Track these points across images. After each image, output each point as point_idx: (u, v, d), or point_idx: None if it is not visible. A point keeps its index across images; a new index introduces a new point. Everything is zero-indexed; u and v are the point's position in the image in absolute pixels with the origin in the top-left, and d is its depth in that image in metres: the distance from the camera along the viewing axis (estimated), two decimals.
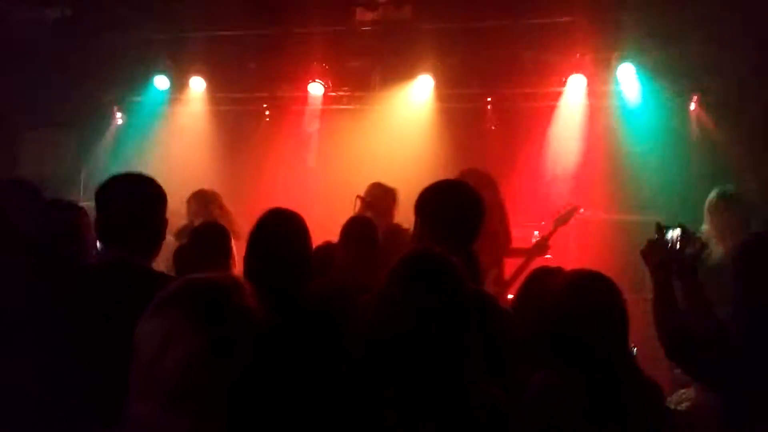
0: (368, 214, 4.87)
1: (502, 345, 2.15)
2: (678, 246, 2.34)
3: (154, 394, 1.33)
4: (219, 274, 1.49)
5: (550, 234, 4.58)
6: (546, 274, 2.56)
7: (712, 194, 4.25)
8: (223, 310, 1.38)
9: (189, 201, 4.91)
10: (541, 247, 4.49)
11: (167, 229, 2.38)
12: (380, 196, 4.96)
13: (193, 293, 1.40)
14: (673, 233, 2.37)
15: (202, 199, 4.85)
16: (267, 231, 2.48)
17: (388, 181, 6.11)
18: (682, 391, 2.94)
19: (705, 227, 4.16)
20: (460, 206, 2.36)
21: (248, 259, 2.47)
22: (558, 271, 2.53)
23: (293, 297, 2.41)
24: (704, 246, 2.36)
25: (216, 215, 4.64)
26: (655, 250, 2.37)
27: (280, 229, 2.48)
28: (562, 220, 4.63)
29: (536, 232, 4.78)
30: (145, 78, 6.88)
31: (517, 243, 4.75)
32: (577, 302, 2.11)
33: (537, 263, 4.24)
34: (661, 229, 2.41)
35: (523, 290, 2.70)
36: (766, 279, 1.97)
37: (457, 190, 2.46)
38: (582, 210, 4.68)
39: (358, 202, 4.62)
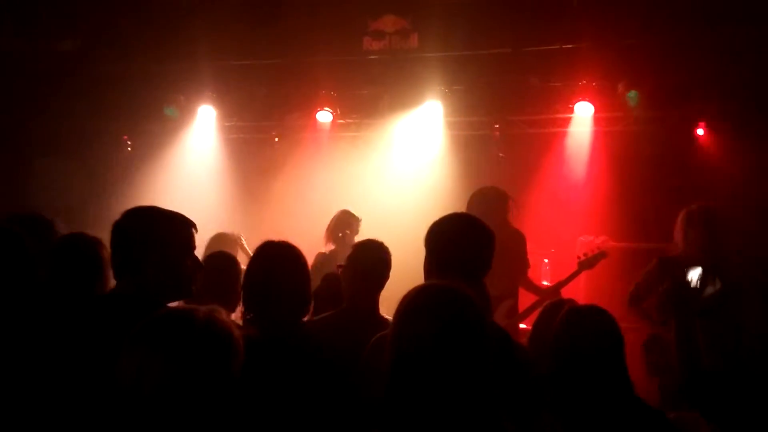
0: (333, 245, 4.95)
1: (519, 381, 2.14)
2: (699, 286, 2.33)
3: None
4: (193, 306, 1.58)
5: (574, 275, 4.48)
6: (556, 307, 2.55)
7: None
8: (187, 343, 1.47)
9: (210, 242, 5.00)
10: (554, 293, 4.39)
11: None
12: (347, 221, 5.01)
13: (158, 328, 1.51)
14: (695, 273, 2.36)
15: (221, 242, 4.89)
16: (261, 263, 2.53)
17: (397, 209, 6.13)
18: None
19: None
20: (468, 241, 2.36)
21: (245, 290, 2.53)
22: (567, 304, 2.52)
23: (287, 326, 2.43)
24: (724, 287, 2.33)
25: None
26: (678, 289, 2.34)
27: (274, 261, 2.51)
28: (588, 264, 4.50)
29: (546, 260, 4.74)
30: (155, 107, 6.95)
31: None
32: (569, 338, 2.16)
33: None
34: (684, 269, 2.39)
35: (535, 325, 2.71)
36: None
37: (466, 224, 2.44)
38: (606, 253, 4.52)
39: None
